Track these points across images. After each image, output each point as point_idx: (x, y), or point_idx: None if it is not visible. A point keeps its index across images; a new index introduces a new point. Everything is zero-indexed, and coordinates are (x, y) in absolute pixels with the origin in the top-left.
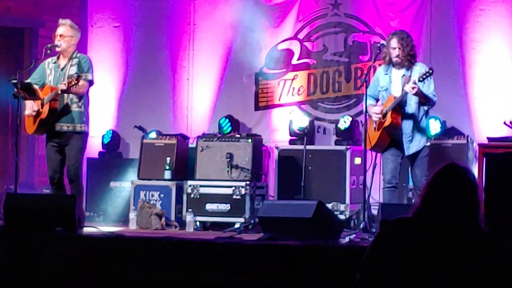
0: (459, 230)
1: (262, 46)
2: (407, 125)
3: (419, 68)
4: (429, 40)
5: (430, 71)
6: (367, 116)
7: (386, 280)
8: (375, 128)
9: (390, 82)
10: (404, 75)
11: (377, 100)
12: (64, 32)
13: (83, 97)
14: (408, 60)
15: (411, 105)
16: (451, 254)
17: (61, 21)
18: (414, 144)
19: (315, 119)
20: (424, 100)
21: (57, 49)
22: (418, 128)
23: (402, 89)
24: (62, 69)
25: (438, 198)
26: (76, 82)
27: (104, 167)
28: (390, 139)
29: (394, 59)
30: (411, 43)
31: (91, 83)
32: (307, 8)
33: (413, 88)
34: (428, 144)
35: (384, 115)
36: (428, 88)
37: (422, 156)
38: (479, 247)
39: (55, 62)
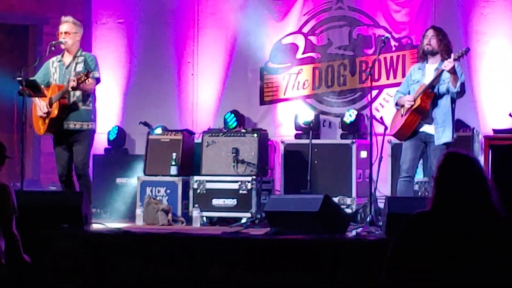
0: (474, 217)
1: (266, 40)
2: (438, 114)
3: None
4: None
5: (467, 49)
6: (398, 107)
7: (413, 276)
8: (402, 114)
9: (423, 75)
10: (437, 68)
11: None
12: (69, 29)
13: (90, 95)
14: (445, 52)
15: (443, 97)
16: (472, 242)
17: (63, 18)
18: (446, 134)
19: (321, 113)
20: (455, 79)
21: (62, 46)
22: (450, 119)
23: (435, 78)
24: (67, 67)
25: (447, 189)
26: (85, 78)
27: (110, 164)
28: (415, 127)
29: (425, 47)
30: (447, 39)
31: (98, 81)
32: (311, 2)
33: (449, 63)
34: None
35: (415, 100)
36: (460, 77)
37: (444, 149)
38: (497, 230)
39: (59, 61)
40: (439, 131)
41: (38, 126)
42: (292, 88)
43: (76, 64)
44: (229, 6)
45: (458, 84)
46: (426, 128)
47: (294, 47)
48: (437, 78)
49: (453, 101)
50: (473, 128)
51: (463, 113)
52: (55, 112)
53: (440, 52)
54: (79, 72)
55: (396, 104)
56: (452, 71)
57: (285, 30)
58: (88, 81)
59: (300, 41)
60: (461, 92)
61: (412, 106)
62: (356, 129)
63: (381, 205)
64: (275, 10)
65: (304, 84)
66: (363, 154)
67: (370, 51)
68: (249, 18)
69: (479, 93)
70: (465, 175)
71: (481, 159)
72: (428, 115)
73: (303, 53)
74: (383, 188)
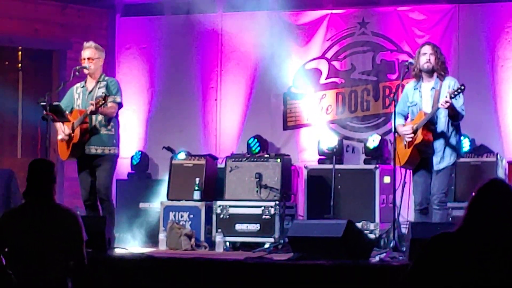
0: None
1: (289, 66)
2: (438, 143)
3: (449, 82)
4: (458, 57)
5: (462, 87)
6: (396, 134)
7: None
8: (405, 145)
9: (420, 97)
10: (433, 87)
11: (406, 118)
12: (92, 54)
13: (112, 120)
14: (441, 70)
15: (441, 120)
16: (498, 268)
17: (86, 44)
18: (445, 160)
19: (344, 138)
20: (453, 113)
21: (86, 71)
22: (449, 144)
23: (433, 105)
24: (90, 92)
25: (482, 213)
26: (103, 101)
27: (133, 188)
28: (421, 157)
29: (425, 65)
30: (443, 56)
31: (120, 105)
32: (334, 27)
33: (446, 102)
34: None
35: (415, 132)
36: (457, 102)
37: (446, 170)
38: None
39: (83, 87)
40: (438, 158)
41: (62, 151)
42: (316, 113)
43: (99, 88)
44: (252, 32)
45: (459, 112)
46: (430, 156)
47: (318, 72)
48: (435, 111)
49: (451, 127)
50: (497, 154)
51: (487, 138)
52: (77, 137)
53: (437, 70)
54: (99, 96)
55: (395, 130)
56: (449, 108)
57: (309, 55)
58: (108, 105)
59: (324, 66)
60: (461, 117)
61: (414, 140)
62: (380, 154)
63: (404, 230)
64: (299, 35)
65: (327, 109)
66: (387, 179)
67: (394, 76)
68: (272, 43)
69: (503, 118)
70: (505, 202)
71: None
72: (432, 145)
73: (326, 78)
74: (406, 214)
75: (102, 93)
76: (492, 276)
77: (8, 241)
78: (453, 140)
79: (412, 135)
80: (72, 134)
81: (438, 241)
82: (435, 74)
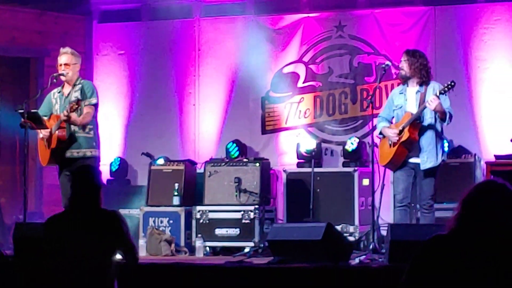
0: (500, 244)
1: (267, 69)
2: (425, 142)
3: (433, 85)
4: (434, 59)
5: (453, 83)
6: (381, 136)
7: None
8: (390, 144)
9: (405, 100)
10: (418, 91)
11: (391, 123)
12: (68, 60)
13: (90, 122)
14: (419, 77)
15: (428, 121)
16: (494, 268)
17: (62, 49)
18: (431, 159)
19: (322, 141)
20: (442, 115)
21: (63, 78)
22: (436, 143)
23: (419, 105)
24: (66, 97)
25: (478, 213)
26: (77, 106)
27: (113, 195)
28: (406, 156)
29: (401, 72)
30: (422, 61)
31: (96, 106)
32: (311, 31)
33: (433, 100)
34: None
35: (401, 131)
36: (445, 103)
37: (432, 172)
38: None
39: (59, 92)
40: (424, 157)
41: (43, 156)
42: (294, 117)
43: (74, 92)
44: (229, 36)
45: (447, 118)
46: (415, 159)
47: (295, 76)
48: (422, 110)
49: (438, 127)
50: (475, 154)
51: (465, 139)
52: (55, 142)
53: (413, 75)
54: (72, 101)
55: (380, 133)
56: (437, 107)
57: (286, 59)
58: (83, 110)
59: (301, 70)
60: (450, 117)
61: (400, 138)
62: (358, 157)
63: (383, 232)
64: (276, 39)
65: (305, 112)
66: (365, 182)
67: (371, 79)
68: (250, 47)
69: (480, 119)
70: (498, 201)
71: None
72: (417, 145)
73: (304, 82)
74: (386, 216)
75: (75, 97)
76: (490, 278)
77: (51, 248)
78: (439, 142)
79: (397, 137)
80: (50, 141)
81: (434, 243)
82: (415, 79)
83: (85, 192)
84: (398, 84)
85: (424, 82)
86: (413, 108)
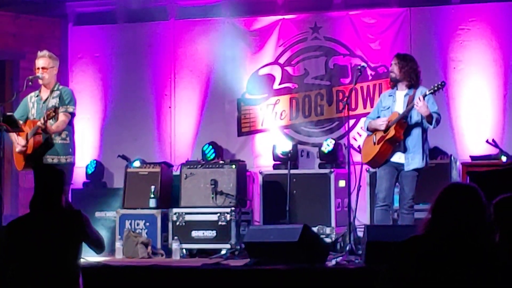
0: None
1: (243, 71)
2: (410, 143)
3: (421, 90)
4: None
5: (443, 83)
6: (369, 132)
7: None
8: (374, 142)
9: (393, 102)
10: (407, 94)
11: None
12: (45, 64)
13: (66, 128)
14: (408, 80)
15: (414, 120)
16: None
17: (39, 53)
18: (416, 161)
19: (298, 143)
20: (428, 118)
21: (40, 81)
22: (422, 145)
23: (407, 105)
24: (44, 102)
25: (448, 215)
26: (54, 114)
27: (89, 197)
28: (389, 155)
29: (391, 75)
30: (412, 65)
31: (72, 115)
32: (287, 33)
33: (420, 100)
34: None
35: (387, 129)
36: (432, 107)
37: (415, 175)
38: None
39: (37, 96)
40: (409, 157)
41: (18, 161)
42: (270, 118)
43: (52, 98)
44: (205, 38)
45: (434, 121)
46: (398, 158)
47: (271, 77)
48: (410, 110)
49: (424, 129)
50: (451, 155)
51: (441, 140)
52: (31, 148)
53: (403, 79)
54: (50, 108)
55: (367, 129)
56: (423, 109)
57: (262, 61)
58: (61, 118)
59: (277, 71)
60: (438, 121)
61: (386, 135)
62: (334, 159)
63: (360, 233)
64: (251, 41)
65: (281, 114)
66: (342, 183)
67: (347, 81)
68: (225, 49)
69: (456, 120)
70: (465, 203)
71: None
72: (401, 144)
73: (279, 84)
74: (362, 217)
75: (52, 105)
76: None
77: (15, 253)
78: (425, 145)
79: (386, 123)
80: (27, 145)
81: (410, 244)
82: (407, 83)
83: (48, 191)
84: (382, 86)
85: (413, 85)
86: (400, 110)
